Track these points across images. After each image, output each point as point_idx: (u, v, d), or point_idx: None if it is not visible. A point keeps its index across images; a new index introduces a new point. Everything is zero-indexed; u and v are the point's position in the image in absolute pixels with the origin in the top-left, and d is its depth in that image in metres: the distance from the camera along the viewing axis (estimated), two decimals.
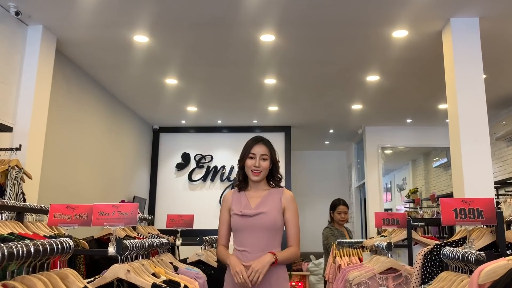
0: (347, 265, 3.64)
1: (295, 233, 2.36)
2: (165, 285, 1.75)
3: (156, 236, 3.54)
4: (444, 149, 8.64)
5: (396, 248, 3.02)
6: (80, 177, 5.52)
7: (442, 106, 6.64)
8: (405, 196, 11.20)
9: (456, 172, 3.92)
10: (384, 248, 2.71)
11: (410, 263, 3.00)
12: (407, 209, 10.50)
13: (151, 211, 8.00)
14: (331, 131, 8.47)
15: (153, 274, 1.89)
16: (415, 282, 1.97)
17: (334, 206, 4.60)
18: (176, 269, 2.25)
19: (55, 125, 4.87)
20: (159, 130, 8.30)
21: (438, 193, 9.48)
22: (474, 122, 3.89)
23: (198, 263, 2.96)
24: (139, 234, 3.41)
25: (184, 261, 3.01)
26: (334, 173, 10.31)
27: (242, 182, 2.47)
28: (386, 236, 3.37)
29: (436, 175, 10.07)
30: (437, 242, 3.04)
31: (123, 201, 6.27)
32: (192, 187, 8.18)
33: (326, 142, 9.61)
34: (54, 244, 1.20)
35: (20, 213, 2.17)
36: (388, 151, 9.14)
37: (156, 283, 1.74)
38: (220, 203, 7.87)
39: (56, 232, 2.30)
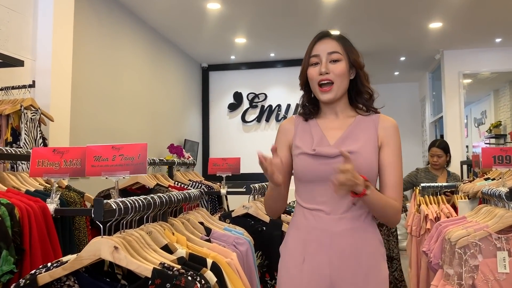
0: (437, 215, 2.87)
1: (396, 183, 1.44)
2: (179, 267, 1.11)
3: (198, 184, 2.96)
4: None
5: None
6: (123, 119, 5.03)
7: None
8: (486, 131, 9.96)
9: None
10: (504, 197, 1.91)
11: None
12: (488, 146, 9.33)
13: (205, 154, 7.54)
14: (402, 58, 7.36)
15: (165, 247, 1.26)
16: None
17: (429, 146, 4.00)
18: (208, 232, 1.61)
19: (87, 61, 4.33)
20: (208, 68, 7.64)
21: None
22: None
23: (246, 217, 2.34)
24: (177, 183, 2.83)
25: (229, 215, 2.40)
26: (404, 108, 9.19)
27: (309, 106, 1.56)
28: (493, 180, 2.55)
29: None
30: None
31: (172, 145, 5.79)
32: (246, 128, 7.57)
33: (396, 73, 8.49)
34: None
35: None
36: (466, 80, 7.91)
37: (164, 263, 1.10)
38: None
39: (49, 186, 1.73)
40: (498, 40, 6.42)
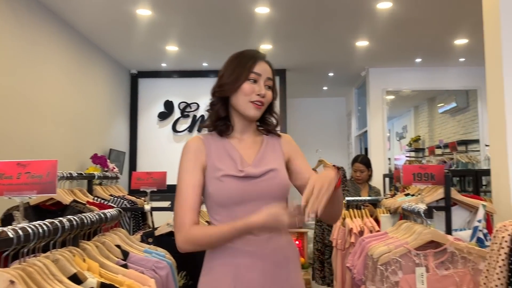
0: (360, 229, 2.95)
1: None
2: None
3: (120, 200, 2.80)
4: (454, 92, 7.88)
5: None
6: (42, 127, 4.68)
7: (459, 42, 5.79)
8: (406, 145, 10.58)
9: (495, 113, 3.15)
10: (422, 214, 1.98)
11: (449, 231, 2.30)
12: (408, 159, 9.93)
13: (132, 165, 7.25)
14: (330, 74, 7.61)
15: (74, 276, 1.14)
16: (497, 276, 1.25)
17: (352, 161, 4.22)
18: (126, 256, 1.50)
19: (3, 66, 3.98)
20: (137, 75, 7.38)
21: (444, 141, 8.83)
22: None
23: (170, 236, 2.24)
24: (96, 198, 2.65)
25: (152, 234, 2.29)
26: (331, 122, 9.53)
27: (222, 121, 1.51)
28: (413, 195, 2.66)
29: (442, 121, 9.37)
30: (484, 202, 2.34)
31: (95, 155, 5.49)
32: (177, 138, 7.40)
33: (324, 88, 8.76)
34: None
35: None
36: (389, 97, 8.38)
37: None
38: None
39: None
40: (418, 60, 6.85)
